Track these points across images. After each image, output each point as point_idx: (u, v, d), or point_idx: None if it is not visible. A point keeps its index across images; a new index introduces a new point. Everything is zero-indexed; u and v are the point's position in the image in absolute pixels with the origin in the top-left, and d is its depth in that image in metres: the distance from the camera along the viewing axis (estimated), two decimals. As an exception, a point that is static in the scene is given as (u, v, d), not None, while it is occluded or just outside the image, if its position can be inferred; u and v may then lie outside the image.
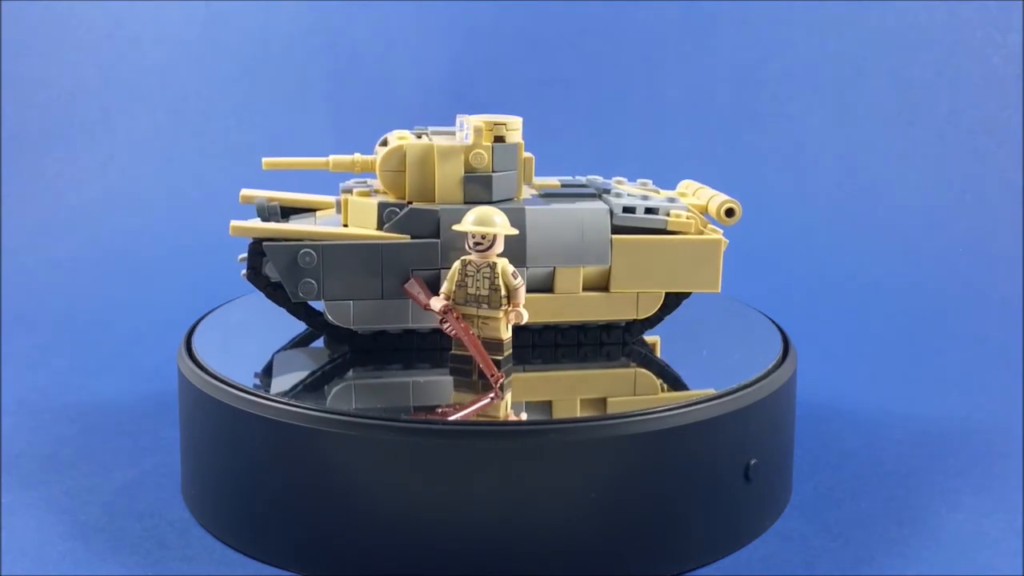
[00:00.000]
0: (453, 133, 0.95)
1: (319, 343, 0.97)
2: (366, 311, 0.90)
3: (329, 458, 0.79)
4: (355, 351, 0.93)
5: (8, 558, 0.84)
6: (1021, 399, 1.18)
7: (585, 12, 1.78)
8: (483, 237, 0.86)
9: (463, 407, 0.83)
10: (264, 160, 0.94)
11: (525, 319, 0.87)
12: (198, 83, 1.77)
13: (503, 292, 0.86)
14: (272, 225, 0.90)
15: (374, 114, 1.76)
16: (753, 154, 1.70)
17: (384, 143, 0.95)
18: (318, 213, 0.98)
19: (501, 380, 0.85)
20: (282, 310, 0.97)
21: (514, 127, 0.92)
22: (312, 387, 0.86)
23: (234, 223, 0.89)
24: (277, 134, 1.76)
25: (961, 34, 1.65)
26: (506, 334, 0.87)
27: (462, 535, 0.78)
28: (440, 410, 0.82)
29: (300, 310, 0.93)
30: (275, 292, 0.92)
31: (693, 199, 0.99)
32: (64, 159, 1.72)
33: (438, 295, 0.88)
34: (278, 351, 0.96)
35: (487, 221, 0.86)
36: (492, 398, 0.84)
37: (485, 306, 0.86)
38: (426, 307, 0.88)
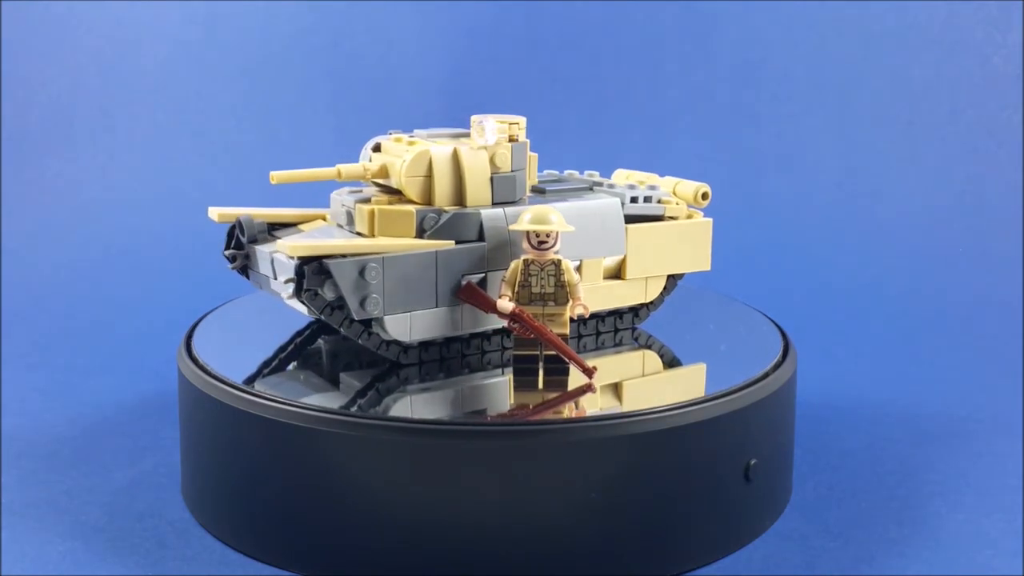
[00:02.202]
0: (443, 136, 0.94)
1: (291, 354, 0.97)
2: (422, 322, 0.88)
3: (329, 458, 0.79)
4: (401, 363, 0.90)
5: (8, 558, 0.84)
6: (1021, 399, 1.18)
7: (585, 12, 1.78)
8: (547, 235, 0.86)
9: (558, 401, 0.85)
10: (273, 174, 0.89)
11: (589, 312, 0.89)
12: (198, 83, 1.77)
13: (567, 288, 0.88)
14: (336, 241, 0.86)
15: (374, 114, 1.76)
16: (753, 154, 1.70)
17: (377, 148, 0.93)
18: (303, 226, 0.94)
19: (596, 372, 0.87)
20: (280, 309, 0.96)
21: (522, 126, 0.93)
22: (370, 403, 0.84)
23: (292, 243, 0.83)
24: (277, 134, 1.76)
25: (961, 34, 1.65)
26: (568, 329, 0.89)
27: (462, 535, 0.78)
28: (533, 406, 0.84)
29: (358, 328, 0.88)
30: (333, 313, 0.86)
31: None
32: (64, 159, 1.72)
33: (497, 298, 0.87)
34: (308, 368, 0.92)
35: (548, 220, 0.87)
36: (588, 390, 0.86)
37: (552, 303, 0.88)
38: (491, 310, 0.87)
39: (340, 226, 0.92)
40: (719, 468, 0.84)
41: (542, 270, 0.87)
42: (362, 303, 0.85)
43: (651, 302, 1.01)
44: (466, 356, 0.92)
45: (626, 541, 0.80)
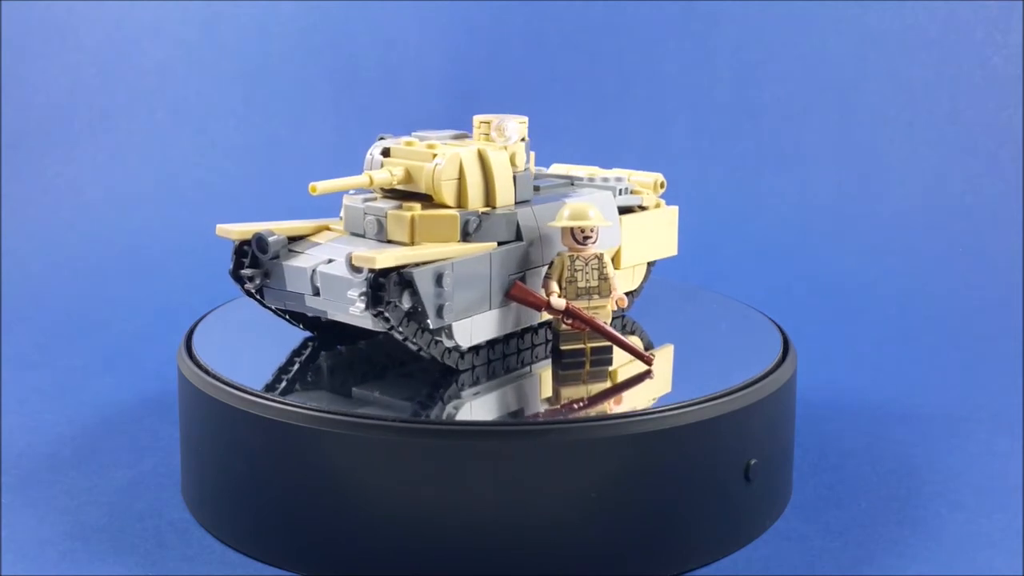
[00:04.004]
0: (445, 137, 0.94)
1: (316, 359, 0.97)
2: (479, 325, 0.88)
3: (329, 458, 0.79)
4: (459, 369, 0.89)
5: (8, 558, 0.84)
6: (1021, 399, 1.18)
7: (585, 11, 1.78)
8: (591, 230, 0.89)
9: (622, 387, 0.88)
10: (315, 185, 0.85)
11: (627, 302, 0.92)
12: (198, 83, 1.77)
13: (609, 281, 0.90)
14: (412, 251, 0.83)
15: (374, 114, 1.76)
16: (753, 154, 1.70)
17: (386, 153, 0.90)
18: (315, 237, 0.90)
19: (654, 359, 0.91)
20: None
21: (526, 125, 0.94)
22: (438, 411, 0.83)
23: (376, 255, 0.79)
24: (277, 134, 1.76)
25: (961, 34, 1.65)
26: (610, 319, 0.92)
27: (462, 535, 0.78)
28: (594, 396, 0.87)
29: (427, 338, 0.85)
30: (408, 324, 0.84)
31: None
32: (64, 159, 1.72)
33: (546, 295, 0.89)
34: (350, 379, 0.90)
35: (589, 215, 0.89)
36: (647, 377, 0.89)
37: (596, 296, 0.90)
38: (545, 308, 0.88)
39: (359, 235, 0.89)
40: (719, 468, 0.84)
41: (586, 264, 0.89)
42: (439, 311, 0.84)
43: (635, 289, 1.04)
44: (507, 356, 0.92)
45: (626, 541, 0.80)
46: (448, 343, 0.86)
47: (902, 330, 1.40)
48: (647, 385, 0.89)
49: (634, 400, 0.86)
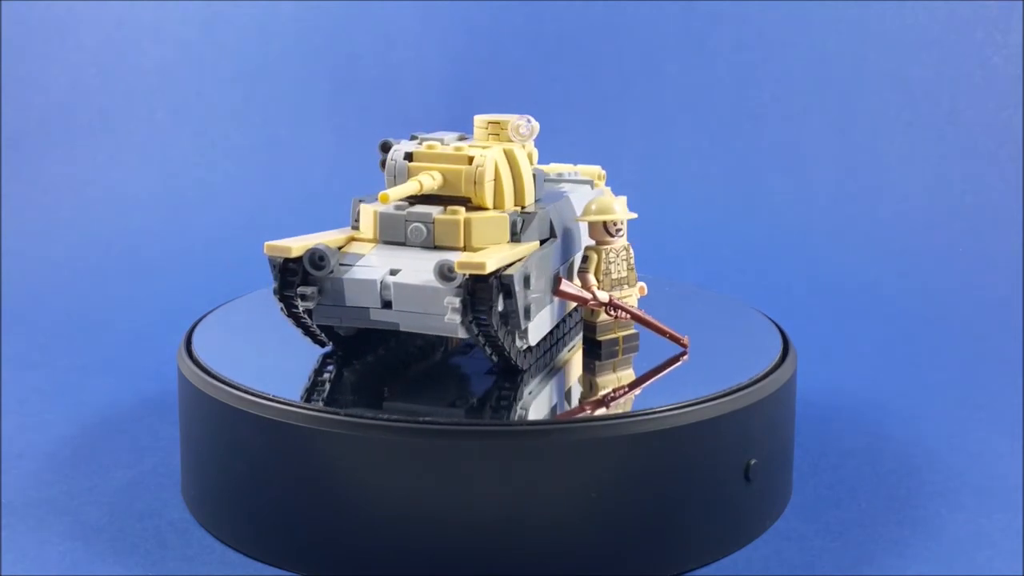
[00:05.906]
0: (450, 138, 0.94)
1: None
2: (539, 323, 0.88)
3: (329, 458, 0.79)
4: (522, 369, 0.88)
5: (8, 558, 0.84)
6: (1021, 398, 1.18)
7: (585, 11, 1.78)
8: (622, 222, 0.92)
9: (659, 370, 0.91)
10: (387, 193, 0.81)
11: (646, 291, 0.95)
12: (198, 83, 1.77)
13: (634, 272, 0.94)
14: (504, 252, 0.82)
15: (374, 114, 1.76)
16: (753, 154, 1.70)
17: (409, 157, 0.88)
18: (348, 248, 0.86)
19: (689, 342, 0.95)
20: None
21: None
22: (505, 411, 0.83)
23: (484, 260, 0.77)
24: (277, 134, 1.76)
25: (961, 34, 1.65)
26: None
27: (462, 535, 0.78)
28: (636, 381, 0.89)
29: (509, 340, 0.84)
30: (499, 329, 0.81)
31: None
32: (64, 159, 1.72)
33: (586, 289, 0.91)
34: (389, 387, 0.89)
35: (616, 208, 0.92)
36: (682, 358, 0.94)
37: (626, 287, 0.93)
38: (591, 301, 0.90)
39: (396, 243, 0.86)
40: (719, 468, 0.84)
41: (617, 256, 0.92)
42: (526, 312, 0.83)
43: None
44: (545, 352, 0.93)
45: (626, 541, 0.80)
46: (520, 343, 0.86)
47: (902, 330, 1.40)
48: (654, 383, 0.90)
49: (633, 401, 0.86)
